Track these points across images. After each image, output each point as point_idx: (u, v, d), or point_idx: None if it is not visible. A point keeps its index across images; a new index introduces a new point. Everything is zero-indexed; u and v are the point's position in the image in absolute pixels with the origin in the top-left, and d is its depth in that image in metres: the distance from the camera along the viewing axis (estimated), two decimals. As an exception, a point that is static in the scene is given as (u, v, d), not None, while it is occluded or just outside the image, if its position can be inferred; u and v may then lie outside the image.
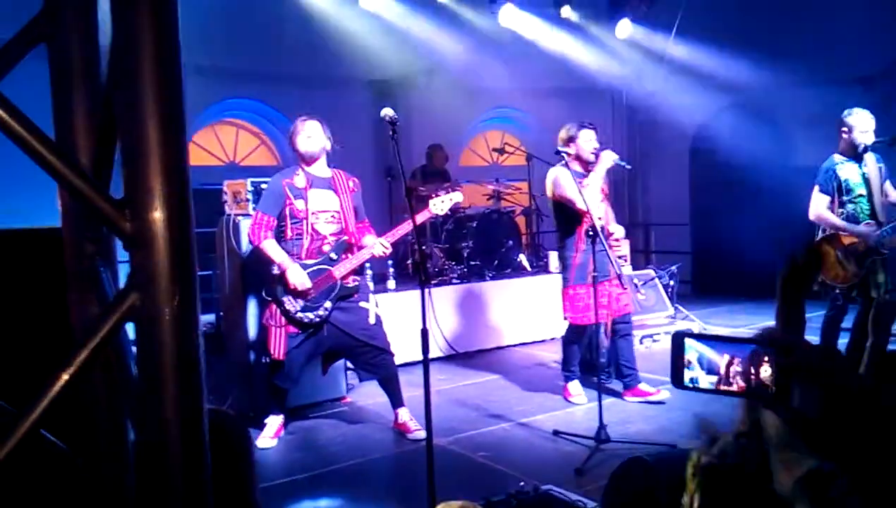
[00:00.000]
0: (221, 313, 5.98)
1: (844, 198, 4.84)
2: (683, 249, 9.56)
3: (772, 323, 0.81)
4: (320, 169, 4.47)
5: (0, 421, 0.84)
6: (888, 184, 4.91)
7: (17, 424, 0.71)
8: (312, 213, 4.38)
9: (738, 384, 0.78)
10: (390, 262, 6.55)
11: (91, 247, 0.90)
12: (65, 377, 0.71)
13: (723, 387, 0.79)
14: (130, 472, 0.93)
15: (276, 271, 4.34)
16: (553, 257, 7.49)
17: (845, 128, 4.86)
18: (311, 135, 4.40)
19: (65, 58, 0.90)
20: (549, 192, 5.11)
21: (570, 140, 5.05)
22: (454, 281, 6.95)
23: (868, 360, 4.19)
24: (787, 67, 7.94)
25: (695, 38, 8.69)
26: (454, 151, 8.94)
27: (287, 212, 4.36)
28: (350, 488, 3.94)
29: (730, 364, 0.78)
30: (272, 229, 4.37)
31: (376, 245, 4.43)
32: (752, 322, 7.39)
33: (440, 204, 4.50)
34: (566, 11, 8.90)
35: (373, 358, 4.51)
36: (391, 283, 6.52)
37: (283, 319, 4.38)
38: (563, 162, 4.84)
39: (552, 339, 6.96)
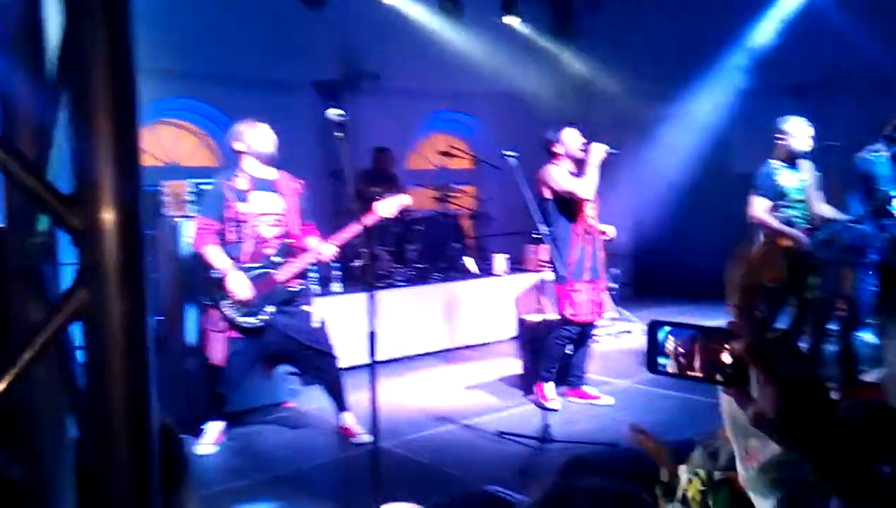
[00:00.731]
0: (160, 317, 5.82)
1: (781, 203, 4.92)
2: (624, 252, 9.74)
3: (719, 322, 0.84)
4: (266, 170, 4.40)
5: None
6: (819, 194, 5.08)
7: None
8: (255, 216, 4.31)
9: (701, 369, 0.83)
10: (336, 265, 6.49)
11: (34, 245, 0.88)
12: (9, 377, 0.69)
13: (688, 373, 0.84)
14: (69, 472, 0.91)
15: (216, 275, 4.26)
16: (499, 259, 7.56)
17: (781, 135, 4.97)
18: (267, 137, 4.35)
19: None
20: (546, 193, 4.95)
21: (556, 142, 4.97)
22: (400, 283, 6.93)
23: None
24: (723, 78, 8.18)
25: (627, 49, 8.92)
26: (400, 155, 8.93)
27: (229, 215, 4.28)
28: (294, 493, 3.89)
29: (695, 350, 0.84)
30: (216, 234, 4.29)
31: (324, 248, 4.39)
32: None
33: (387, 206, 4.48)
34: (508, 19, 9.04)
35: (317, 362, 4.46)
36: (337, 286, 6.47)
37: (223, 324, 4.30)
38: (553, 161, 4.83)
39: (498, 342, 7.01)
